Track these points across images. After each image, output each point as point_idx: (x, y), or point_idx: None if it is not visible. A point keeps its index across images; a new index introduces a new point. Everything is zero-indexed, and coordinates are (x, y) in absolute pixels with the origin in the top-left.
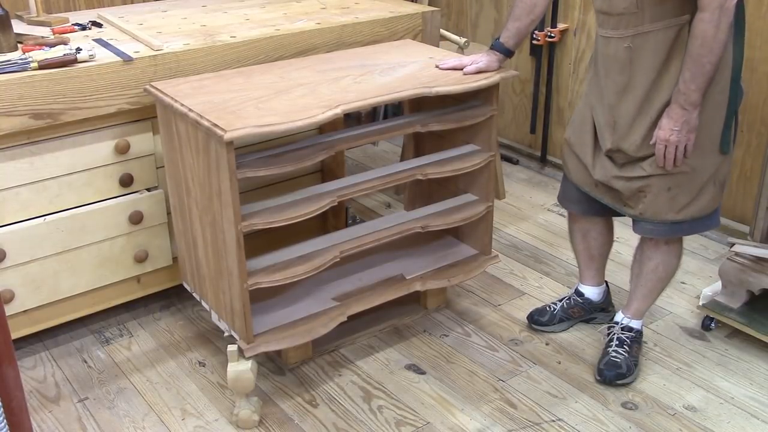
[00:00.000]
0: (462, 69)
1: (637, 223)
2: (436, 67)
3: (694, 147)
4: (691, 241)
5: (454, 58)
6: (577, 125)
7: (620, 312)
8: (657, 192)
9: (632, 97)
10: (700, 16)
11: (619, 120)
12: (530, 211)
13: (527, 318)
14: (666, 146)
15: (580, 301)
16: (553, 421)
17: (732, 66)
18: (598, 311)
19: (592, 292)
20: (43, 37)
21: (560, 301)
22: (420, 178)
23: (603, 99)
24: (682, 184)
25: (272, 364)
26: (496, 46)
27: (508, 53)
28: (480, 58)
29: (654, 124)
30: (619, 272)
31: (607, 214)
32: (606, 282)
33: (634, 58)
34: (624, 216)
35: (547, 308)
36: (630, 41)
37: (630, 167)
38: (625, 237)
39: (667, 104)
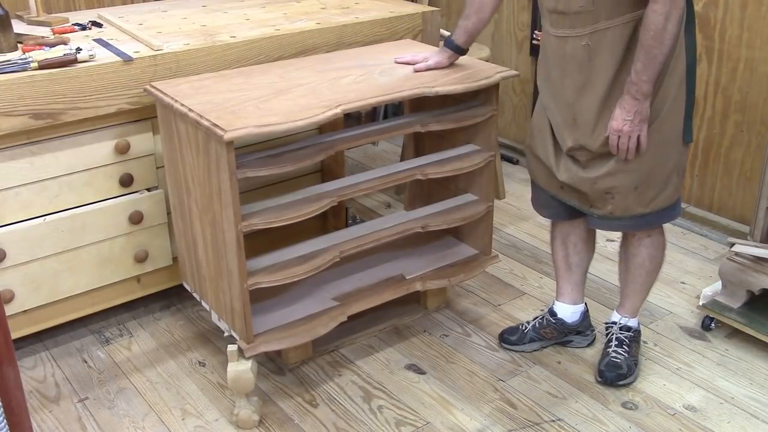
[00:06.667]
0: (414, 65)
1: (601, 220)
2: (396, 61)
3: (659, 141)
4: (691, 241)
5: (409, 54)
6: (535, 130)
7: (616, 312)
8: (625, 192)
9: (592, 94)
10: (653, 7)
11: (580, 117)
12: (530, 211)
13: (498, 336)
14: (619, 136)
15: (553, 321)
16: (553, 421)
17: (687, 57)
18: (574, 334)
19: (566, 312)
20: (43, 37)
21: (534, 319)
22: (420, 178)
23: (559, 98)
24: (649, 180)
25: (272, 364)
26: (447, 44)
27: (458, 50)
28: (431, 56)
29: None
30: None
31: (576, 216)
32: (585, 304)
33: (593, 55)
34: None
35: (519, 327)
36: (588, 39)
37: (593, 166)
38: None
39: None
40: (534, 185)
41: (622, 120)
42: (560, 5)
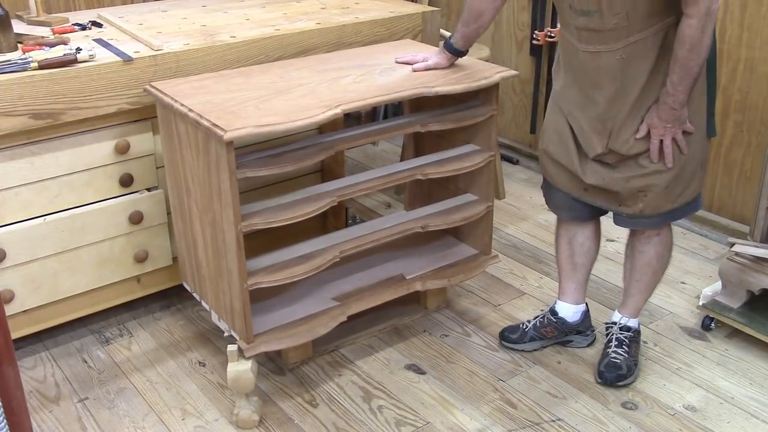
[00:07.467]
0: (413, 64)
1: (629, 218)
2: (396, 60)
3: (688, 138)
4: (691, 241)
5: (410, 54)
6: (554, 135)
7: (617, 311)
8: (658, 191)
9: (624, 101)
10: (689, 22)
11: (609, 123)
12: (530, 211)
13: (498, 334)
14: (662, 140)
15: (554, 320)
16: (553, 421)
17: (708, 58)
18: (574, 333)
19: (567, 311)
20: (43, 37)
21: (534, 318)
22: (420, 178)
23: (588, 107)
24: (678, 177)
25: (272, 364)
26: (446, 46)
27: (457, 53)
28: (431, 56)
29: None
30: (618, 272)
31: (596, 216)
32: (586, 304)
33: (626, 66)
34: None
35: (520, 325)
36: (622, 52)
37: (625, 166)
38: (623, 237)
39: (657, 101)
40: (551, 188)
41: (663, 128)
42: (593, 24)
